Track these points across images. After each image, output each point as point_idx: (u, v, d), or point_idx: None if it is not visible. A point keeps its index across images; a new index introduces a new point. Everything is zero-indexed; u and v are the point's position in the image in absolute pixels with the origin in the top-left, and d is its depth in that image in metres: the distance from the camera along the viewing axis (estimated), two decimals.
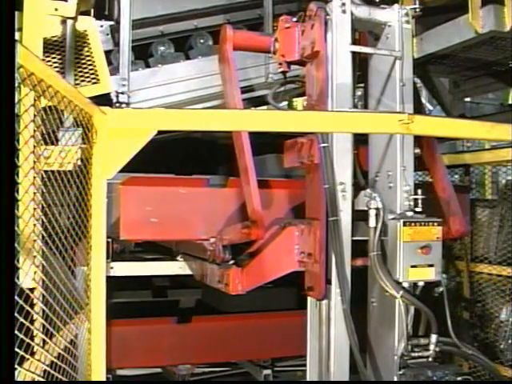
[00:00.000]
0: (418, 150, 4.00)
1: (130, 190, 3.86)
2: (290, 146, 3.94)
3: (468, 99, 7.34)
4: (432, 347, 3.57)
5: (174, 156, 4.99)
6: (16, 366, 1.72)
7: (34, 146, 2.22)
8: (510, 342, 4.90)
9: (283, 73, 4.10)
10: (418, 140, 3.97)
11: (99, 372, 2.55)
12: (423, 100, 7.09)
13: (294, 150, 3.86)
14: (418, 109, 4.06)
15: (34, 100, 2.08)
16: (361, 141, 3.90)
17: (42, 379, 2.16)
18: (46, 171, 2.42)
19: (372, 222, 3.54)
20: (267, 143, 4.21)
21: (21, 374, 1.95)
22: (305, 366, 3.85)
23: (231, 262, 4.01)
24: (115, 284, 3.71)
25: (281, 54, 3.98)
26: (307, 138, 3.70)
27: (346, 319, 3.48)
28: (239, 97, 4.10)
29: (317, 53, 3.68)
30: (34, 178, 2.19)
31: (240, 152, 3.84)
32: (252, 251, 3.92)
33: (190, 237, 4.20)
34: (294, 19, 3.93)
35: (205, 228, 4.04)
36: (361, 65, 3.97)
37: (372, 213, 3.54)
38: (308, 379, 3.80)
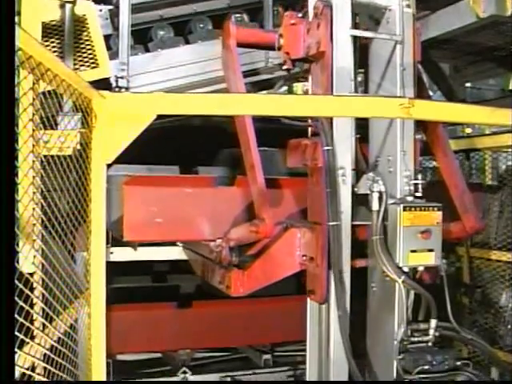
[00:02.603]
0: (419, 136, 3.97)
1: (133, 189, 3.79)
2: (294, 147, 3.89)
3: (469, 84, 7.31)
4: (432, 332, 3.58)
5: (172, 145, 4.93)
6: (16, 350, 1.72)
7: (33, 130, 2.22)
8: (509, 327, 4.91)
9: (287, 70, 4.03)
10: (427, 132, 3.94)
11: (99, 357, 2.56)
12: None
13: (298, 150, 3.80)
14: (422, 94, 4.02)
15: (33, 83, 2.06)
16: (363, 126, 3.88)
17: (42, 363, 2.16)
18: (45, 156, 2.41)
19: (375, 206, 3.53)
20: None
21: (21, 357, 1.95)
22: (305, 351, 3.86)
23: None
24: (115, 269, 3.70)
25: (285, 51, 3.91)
26: (311, 141, 3.64)
27: (342, 330, 3.45)
28: (242, 83, 4.03)
29: (322, 53, 3.62)
30: (33, 161, 2.18)
31: (246, 148, 3.76)
32: (254, 253, 3.88)
33: (196, 238, 4.14)
34: (300, 15, 3.88)
35: (211, 228, 3.97)
36: (361, 49, 3.94)
37: (375, 196, 3.53)
38: (308, 365, 3.81)
